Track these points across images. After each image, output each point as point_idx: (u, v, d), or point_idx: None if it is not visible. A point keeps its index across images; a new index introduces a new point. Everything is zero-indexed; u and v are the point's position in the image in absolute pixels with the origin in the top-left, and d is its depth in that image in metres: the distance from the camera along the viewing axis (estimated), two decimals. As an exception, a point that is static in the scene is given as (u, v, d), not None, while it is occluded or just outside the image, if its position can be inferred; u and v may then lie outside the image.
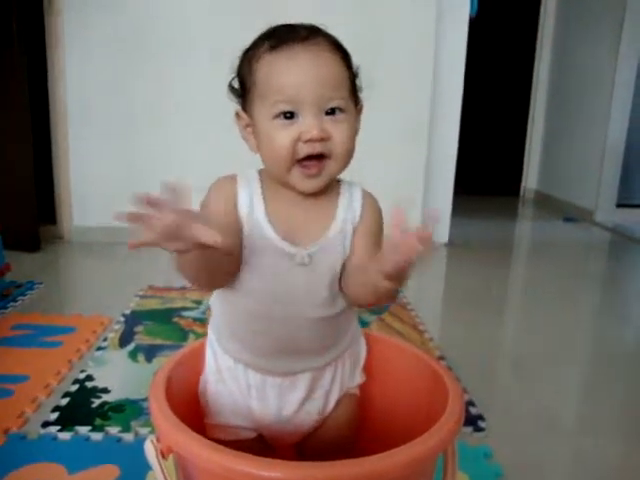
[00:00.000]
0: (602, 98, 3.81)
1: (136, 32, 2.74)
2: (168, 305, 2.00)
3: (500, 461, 1.15)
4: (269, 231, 0.74)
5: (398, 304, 2.08)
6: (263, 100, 0.73)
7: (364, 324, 1.86)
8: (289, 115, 0.71)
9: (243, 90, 0.77)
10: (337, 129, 0.72)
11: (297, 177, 0.73)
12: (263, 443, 0.84)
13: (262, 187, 0.77)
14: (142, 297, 2.08)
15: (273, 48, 0.72)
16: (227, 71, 0.80)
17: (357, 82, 0.79)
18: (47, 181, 2.85)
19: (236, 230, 0.74)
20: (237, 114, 0.79)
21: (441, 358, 1.62)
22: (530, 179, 4.96)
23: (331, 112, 0.72)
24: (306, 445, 0.85)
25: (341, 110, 0.73)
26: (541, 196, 4.76)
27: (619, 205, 3.87)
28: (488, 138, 5.00)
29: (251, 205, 0.75)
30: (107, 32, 2.73)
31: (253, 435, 0.82)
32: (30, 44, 2.60)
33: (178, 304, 2.01)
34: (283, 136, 0.71)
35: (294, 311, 0.76)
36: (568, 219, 3.97)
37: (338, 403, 0.84)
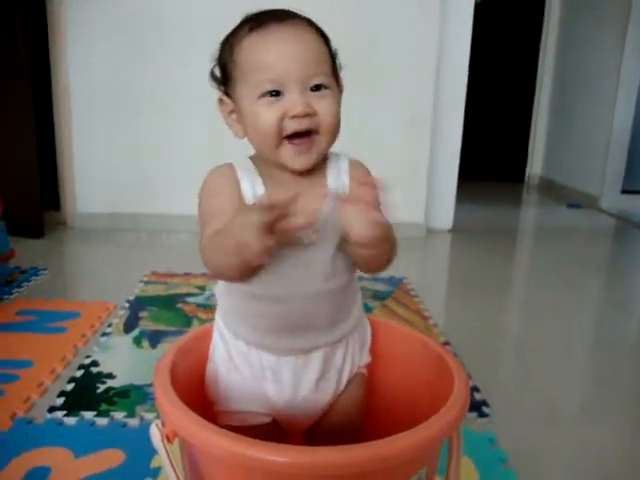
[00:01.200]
0: (608, 83, 3.78)
1: (139, 20, 2.72)
2: (172, 291, 2.01)
3: (504, 447, 1.16)
4: None
5: (402, 290, 2.08)
6: (246, 82, 0.73)
7: (368, 309, 1.86)
8: (275, 93, 0.72)
9: (225, 76, 0.78)
10: (322, 104, 0.73)
11: (287, 154, 0.74)
12: (275, 428, 0.83)
13: (259, 173, 0.78)
14: (146, 283, 2.08)
15: (253, 29, 0.73)
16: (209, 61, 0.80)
17: (337, 63, 0.79)
18: (51, 168, 2.85)
19: None
20: (220, 100, 0.79)
21: (445, 344, 1.62)
22: (535, 165, 4.95)
23: (316, 88, 0.73)
24: (317, 428, 0.85)
25: (325, 87, 0.73)
26: (546, 182, 4.75)
27: (624, 191, 3.85)
28: (493, 124, 4.98)
29: (254, 192, 0.76)
30: (110, 20, 2.72)
31: (267, 420, 0.82)
32: (33, 32, 2.59)
33: (182, 290, 2.01)
34: (269, 114, 0.72)
35: (300, 288, 0.76)
36: (572, 205, 3.96)
37: (349, 382, 0.85)
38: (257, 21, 0.74)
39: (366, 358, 0.88)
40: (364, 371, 0.88)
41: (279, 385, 0.80)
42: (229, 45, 0.76)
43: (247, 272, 0.73)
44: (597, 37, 4.00)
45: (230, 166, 0.79)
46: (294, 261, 0.75)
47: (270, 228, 0.62)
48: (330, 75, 0.75)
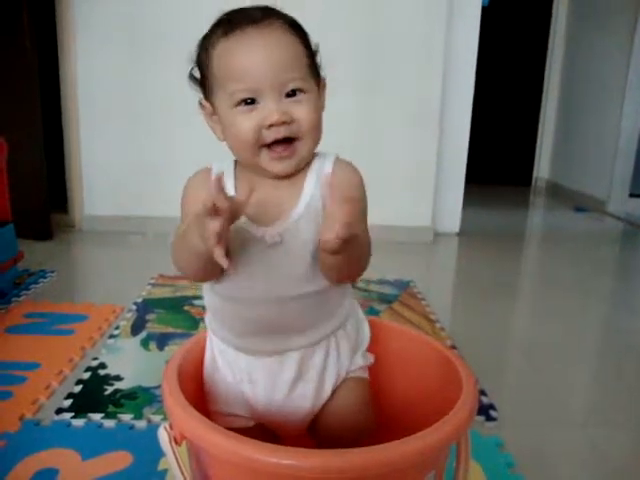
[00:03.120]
0: (616, 87, 3.77)
1: (146, 20, 2.73)
2: (179, 293, 2.01)
3: (512, 451, 1.15)
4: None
5: (409, 293, 2.08)
6: (222, 89, 0.73)
7: (375, 313, 1.85)
8: (250, 101, 0.72)
9: (203, 79, 0.78)
10: (299, 110, 0.72)
11: (267, 160, 0.74)
12: (262, 432, 0.82)
13: (235, 172, 0.79)
14: (153, 285, 2.09)
15: (226, 34, 0.73)
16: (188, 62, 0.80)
17: (317, 59, 0.78)
18: (58, 170, 2.86)
19: None
20: (200, 103, 0.80)
21: (452, 347, 1.62)
22: (542, 168, 4.93)
23: (292, 94, 0.72)
24: (318, 432, 0.84)
25: (301, 90, 0.73)
26: (553, 186, 4.73)
27: (632, 195, 3.84)
28: (500, 127, 4.96)
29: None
30: (118, 20, 2.73)
31: (250, 424, 0.81)
32: (41, 32, 2.60)
33: (189, 292, 2.01)
34: (246, 124, 0.72)
35: (273, 290, 0.75)
36: (580, 209, 3.94)
37: (341, 386, 0.82)
38: (230, 23, 0.73)
39: (361, 361, 0.85)
40: (362, 374, 0.85)
41: (254, 386, 0.80)
42: (204, 49, 0.76)
43: (207, 270, 0.73)
44: (604, 40, 3.98)
45: (207, 169, 0.80)
46: (260, 261, 0.74)
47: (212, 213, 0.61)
48: (306, 77, 0.74)
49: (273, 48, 0.71)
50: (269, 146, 0.73)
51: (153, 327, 1.73)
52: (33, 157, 2.58)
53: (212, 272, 0.74)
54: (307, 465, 0.58)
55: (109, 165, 2.88)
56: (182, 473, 0.66)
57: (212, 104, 0.77)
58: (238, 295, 0.76)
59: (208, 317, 0.84)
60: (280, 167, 0.74)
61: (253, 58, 0.71)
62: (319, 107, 0.76)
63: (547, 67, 4.77)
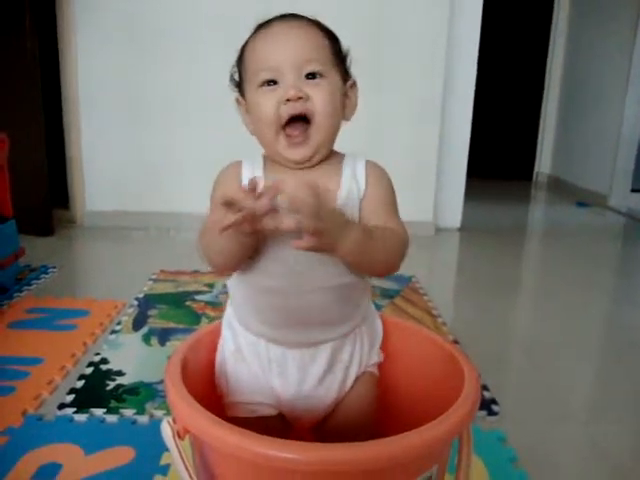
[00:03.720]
0: (618, 81, 3.76)
1: (148, 18, 2.73)
2: (181, 289, 2.01)
3: (514, 445, 1.15)
4: None
5: (411, 288, 2.08)
6: (250, 77, 0.78)
7: (377, 308, 1.84)
8: (272, 82, 0.75)
9: (239, 78, 0.82)
10: (316, 91, 0.75)
11: (284, 146, 0.76)
12: (282, 422, 0.84)
13: (264, 165, 0.81)
14: (155, 281, 2.09)
15: (257, 31, 0.78)
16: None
17: (347, 61, 0.81)
18: (60, 166, 2.86)
19: None
20: (237, 100, 0.83)
21: (454, 342, 1.62)
22: (543, 163, 4.93)
23: (311, 77, 0.75)
24: (325, 426, 0.85)
25: (321, 75, 0.76)
26: (554, 180, 4.73)
27: (633, 190, 3.83)
28: (501, 122, 4.96)
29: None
30: (119, 19, 2.73)
31: (274, 413, 0.82)
32: (42, 29, 2.59)
33: (191, 288, 2.02)
34: (267, 102, 0.75)
35: (308, 282, 0.76)
36: (581, 204, 3.94)
37: (357, 380, 0.84)
38: (263, 24, 0.78)
39: (376, 357, 0.88)
40: (374, 370, 0.87)
41: (284, 378, 0.81)
42: (241, 50, 0.80)
43: (238, 257, 0.74)
44: (606, 34, 3.98)
45: (237, 162, 0.82)
46: (294, 255, 0.75)
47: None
48: (327, 65, 0.76)
49: (295, 32, 0.76)
50: (286, 130, 0.75)
51: (155, 322, 1.73)
52: (35, 153, 2.58)
53: (238, 261, 0.76)
54: (310, 459, 0.58)
55: (110, 161, 2.88)
56: (185, 467, 0.66)
57: (245, 98, 0.80)
58: (273, 286, 0.77)
59: (236, 309, 0.84)
60: (296, 153, 0.76)
61: (276, 40, 0.76)
62: (337, 98, 0.78)
63: (548, 61, 4.77)
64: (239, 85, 0.83)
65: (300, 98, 0.73)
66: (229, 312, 0.86)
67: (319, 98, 0.75)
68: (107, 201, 2.91)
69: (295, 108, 0.74)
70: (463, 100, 2.95)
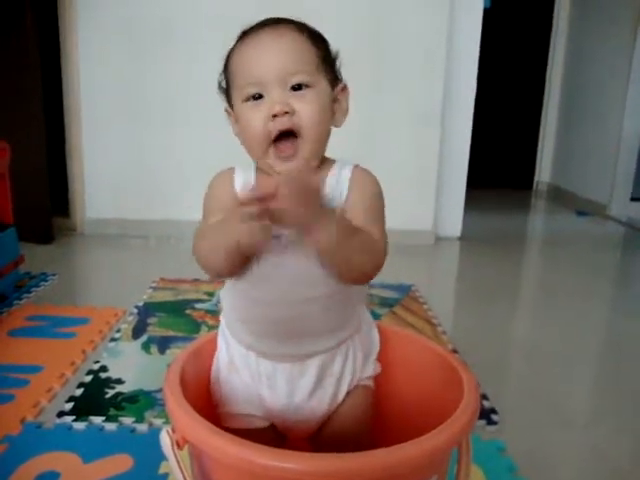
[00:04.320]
0: (617, 90, 3.77)
1: (148, 23, 2.74)
2: (180, 297, 2.01)
3: (513, 455, 1.15)
4: None
5: (410, 297, 2.08)
6: (236, 88, 0.77)
7: (376, 317, 1.85)
8: (257, 96, 0.74)
9: (227, 85, 0.81)
10: (302, 103, 0.73)
11: (274, 159, 0.75)
12: (275, 433, 0.84)
13: (256, 173, 0.80)
14: (155, 289, 2.09)
15: (241, 39, 0.77)
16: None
17: (336, 64, 0.80)
18: (60, 174, 2.86)
19: None
20: (226, 111, 0.82)
21: (454, 351, 1.62)
22: (543, 172, 4.93)
23: (297, 88, 0.74)
24: (320, 437, 0.85)
25: (307, 85, 0.74)
26: (554, 189, 4.73)
27: (633, 199, 3.83)
28: (501, 131, 4.96)
29: (244, 185, 0.79)
30: (120, 23, 2.74)
31: (265, 424, 0.82)
32: (44, 34, 2.60)
33: (190, 296, 2.02)
34: (254, 117, 0.74)
35: (293, 293, 0.76)
36: (581, 213, 3.94)
37: (350, 393, 0.83)
38: (248, 31, 0.77)
39: (372, 369, 0.87)
40: (369, 383, 0.86)
41: (274, 390, 0.80)
42: (227, 57, 0.79)
43: (234, 262, 0.73)
44: (606, 43, 3.99)
45: (230, 170, 0.82)
46: (284, 263, 0.75)
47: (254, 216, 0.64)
48: (314, 74, 0.75)
49: (280, 44, 0.74)
50: (275, 143, 0.74)
51: (154, 330, 1.73)
52: (35, 161, 2.58)
53: (238, 264, 0.74)
54: (309, 469, 0.58)
55: (110, 169, 2.88)
56: (184, 477, 0.66)
57: (233, 110, 0.80)
58: (258, 296, 0.77)
59: (227, 320, 0.84)
60: (285, 166, 0.75)
61: (260, 53, 0.74)
62: (325, 107, 0.77)
63: (548, 70, 4.78)
64: (226, 92, 0.81)
65: (286, 112, 0.72)
66: (222, 325, 0.85)
67: (306, 111, 0.73)
68: (107, 209, 2.91)
69: (283, 124, 0.73)
70: (463, 109, 2.96)
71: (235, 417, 0.82)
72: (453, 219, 3.08)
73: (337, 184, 0.78)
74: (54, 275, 2.21)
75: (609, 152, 3.84)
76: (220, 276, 0.80)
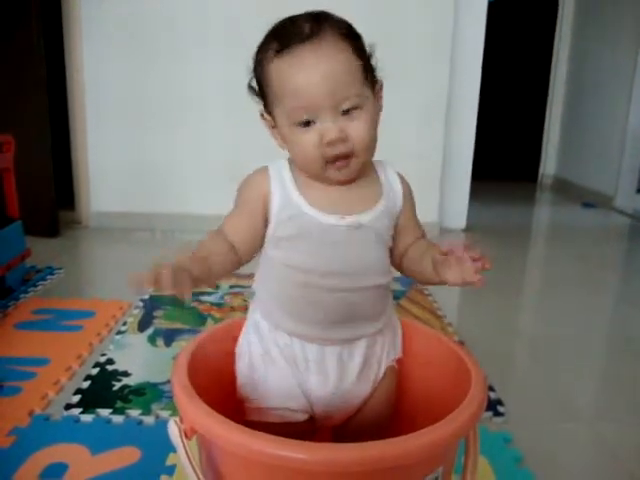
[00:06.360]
0: (623, 82, 3.75)
1: (152, 21, 2.73)
2: (186, 290, 2.01)
3: (520, 446, 1.15)
4: (312, 211, 0.76)
5: (416, 289, 2.08)
6: (280, 105, 0.75)
7: (382, 309, 1.85)
8: (307, 123, 0.73)
9: (261, 91, 0.79)
10: (354, 127, 0.74)
11: (330, 172, 0.76)
12: (311, 425, 0.83)
13: (293, 174, 0.79)
14: (160, 282, 2.09)
15: (279, 52, 0.73)
16: (243, 61, 0.81)
17: (372, 62, 0.80)
18: (65, 167, 2.87)
19: (255, 235, 0.79)
20: (261, 115, 0.81)
21: (460, 343, 1.62)
22: (548, 164, 4.90)
23: (347, 111, 0.74)
24: (350, 423, 0.85)
25: (356, 107, 0.74)
26: (559, 181, 4.71)
27: (639, 190, 3.82)
28: (506, 123, 4.95)
29: (285, 193, 0.78)
30: (125, 20, 2.73)
31: (304, 417, 0.82)
32: (48, 30, 2.60)
33: (196, 289, 2.01)
34: (308, 142, 0.74)
35: (349, 282, 0.78)
36: (587, 205, 3.93)
37: (384, 375, 0.85)
38: (282, 40, 0.73)
39: (399, 351, 0.89)
40: (395, 364, 0.89)
41: (323, 377, 0.80)
42: (259, 63, 0.77)
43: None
44: (612, 34, 3.96)
45: (264, 168, 0.81)
46: (344, 254, 0.78)
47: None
48: (362, 91, 0.75)
49: (327, 66, 0.72)
50: (330, 163, 0.75)
51: (160, 323, 1.73)
52: (40, 155, 2.59)
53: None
54: (318, 459, 0.58)
55: (116, 162, 2.88)
56: (193, 467, 0.66)
57: (273, 118, 0.79)
58: (315, 286, 0.78)
59: (263, 309, 0.84)
60: (341, 176, 0.77)
61: (308, 78, 0.72)
62: (374, 119, 0.78)
63: (554, 62, 4.74)
64: (261, 96, 0.80)
65: (341, 140, 0.73)
66: (256, 317, 0.84)
67: (359, 132, 0.74)
68: (113, 202, 2.91)
69: (339, 150, 0.73)
70: (468, 101, 2.94)
71: (273, 411, 0.81)
72: (458, 211, 3.08)
73: (391, 191, 0.84)
74: (60, 268, 2.22)
75: (615, 143, 3.82)
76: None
